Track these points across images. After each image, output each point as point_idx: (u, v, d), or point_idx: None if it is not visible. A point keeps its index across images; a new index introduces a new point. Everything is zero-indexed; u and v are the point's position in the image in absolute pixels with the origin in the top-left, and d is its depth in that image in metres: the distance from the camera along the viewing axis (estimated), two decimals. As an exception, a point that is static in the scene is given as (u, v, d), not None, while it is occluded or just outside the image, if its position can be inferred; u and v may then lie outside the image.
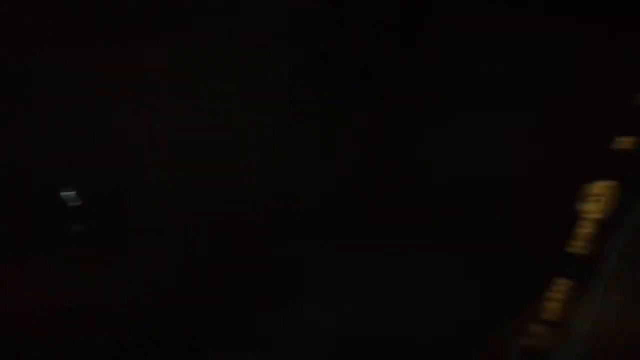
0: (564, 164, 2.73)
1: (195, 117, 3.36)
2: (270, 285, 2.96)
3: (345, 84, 3.35)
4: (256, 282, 2.99)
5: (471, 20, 3.33)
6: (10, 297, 2.82)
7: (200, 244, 3.14)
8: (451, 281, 2.66)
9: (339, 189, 3.27)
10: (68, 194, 3.06)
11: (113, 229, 3.15)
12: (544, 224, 1.82)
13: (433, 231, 2.97)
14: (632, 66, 1.49)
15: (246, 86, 3.33)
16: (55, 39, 3.12)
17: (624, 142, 1.49)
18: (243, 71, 3.41)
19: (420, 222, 2.89)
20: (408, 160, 3.33)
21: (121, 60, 3.18)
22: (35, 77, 3.25)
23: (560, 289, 1.56)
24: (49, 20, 3.08)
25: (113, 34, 3.14)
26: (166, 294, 2.90)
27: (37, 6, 3.14)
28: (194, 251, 3.11)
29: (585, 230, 1.54)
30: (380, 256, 2.87)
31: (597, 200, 1.49)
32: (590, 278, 1.64)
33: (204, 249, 3.10)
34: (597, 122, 1.80)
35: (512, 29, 3.26)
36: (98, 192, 3.15)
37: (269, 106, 3.38)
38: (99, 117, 3.28)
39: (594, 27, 3.05)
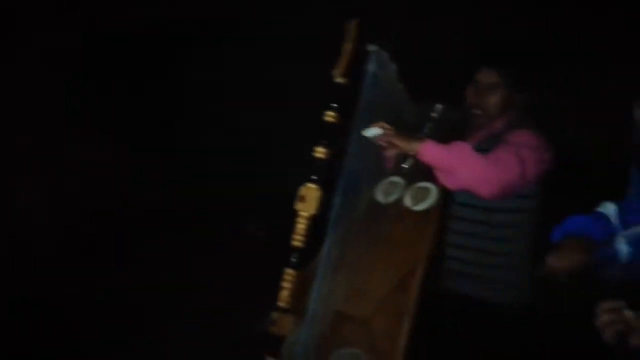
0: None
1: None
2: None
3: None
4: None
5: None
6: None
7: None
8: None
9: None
10: None
11: None
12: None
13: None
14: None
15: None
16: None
17: (319, 152, 1.88)
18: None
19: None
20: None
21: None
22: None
23: (288, 278, 1.86)
24: None
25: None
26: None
27: None
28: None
29: (301, 225, 1.87)
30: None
31: (305, 200, 1.84)
32: (314, 267, 2.02)
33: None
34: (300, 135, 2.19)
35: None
36: None
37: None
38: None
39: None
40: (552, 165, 2.31)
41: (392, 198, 2.38)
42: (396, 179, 2.43)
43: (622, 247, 1.66)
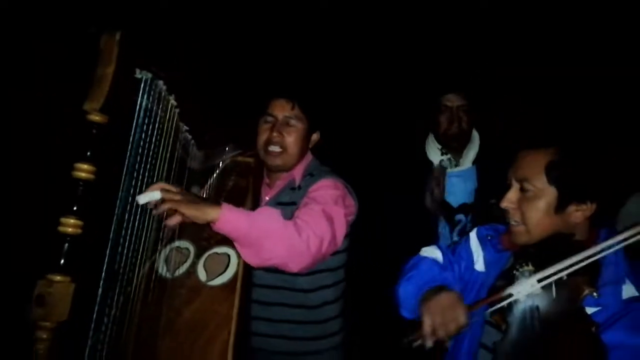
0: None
1: None
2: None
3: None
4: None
5: None
6: None
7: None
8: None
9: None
10: None
11: None
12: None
13: None
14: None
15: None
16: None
17: (67, 226, 1.23)
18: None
19: None
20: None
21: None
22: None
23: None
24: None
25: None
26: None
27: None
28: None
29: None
30: None
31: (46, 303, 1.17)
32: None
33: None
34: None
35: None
36: None
37: None
38: None
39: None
40: (357, 212, 2.02)
41: (180, 271, 1.81)
42: (184, 243, 1.87)
43: None
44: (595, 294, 1.31)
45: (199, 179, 1.97)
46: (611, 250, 1.34)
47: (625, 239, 1.26)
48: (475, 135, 2.58)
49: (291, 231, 1.68)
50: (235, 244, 1.65)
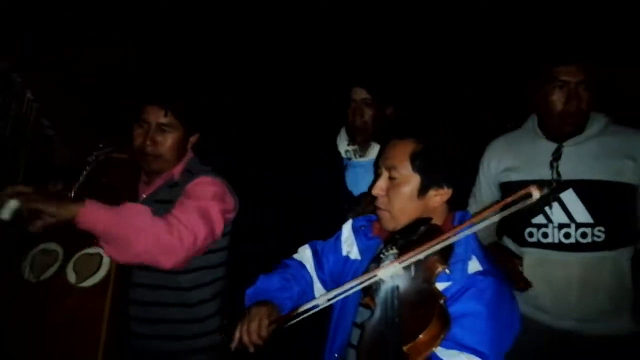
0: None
1: None
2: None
3: None
4: None
5: None
6: None
7: None
8: None
9: None
10: None
11: None
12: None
13: None
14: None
15: None
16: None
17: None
18: None
19: None
20: None
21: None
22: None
23: None
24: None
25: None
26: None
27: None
28: None
29: None
30: None
31: None
32: None
33: None
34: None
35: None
36: None
37: None
38: None
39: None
40: (237, 210, 2.03)
41: (47, 273, 1.72)
42: (51, 245, 1.78)
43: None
44: (447, 270, 1.43)
45: (67, 176, 1.88)
46: (464, 232, 1.47)
47: (475, 223, 1.38)
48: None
49: (160, 227, 1.65)
50: (101, 242, 1.60)
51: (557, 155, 2.10)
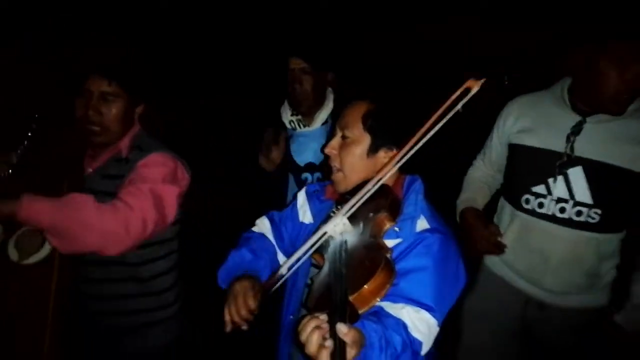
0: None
1: None
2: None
3: None
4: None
5: None
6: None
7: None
8: None
9: None
10: None
11: None
12: None
13: None
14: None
15: None
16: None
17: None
18: None
19: None
20: None
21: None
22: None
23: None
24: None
25: None
26: None
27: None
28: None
29: None
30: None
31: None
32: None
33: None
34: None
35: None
36: None
37: None
38: None
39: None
40: (189, 187, 1.98)
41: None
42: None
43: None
44: (396, 228, 1.43)
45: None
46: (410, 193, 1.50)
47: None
48: (330, 96, 2.58)
49: (107, 217, 1.61)
50: (47, 234, 1.55)
51: (576, 130, 1.99)
